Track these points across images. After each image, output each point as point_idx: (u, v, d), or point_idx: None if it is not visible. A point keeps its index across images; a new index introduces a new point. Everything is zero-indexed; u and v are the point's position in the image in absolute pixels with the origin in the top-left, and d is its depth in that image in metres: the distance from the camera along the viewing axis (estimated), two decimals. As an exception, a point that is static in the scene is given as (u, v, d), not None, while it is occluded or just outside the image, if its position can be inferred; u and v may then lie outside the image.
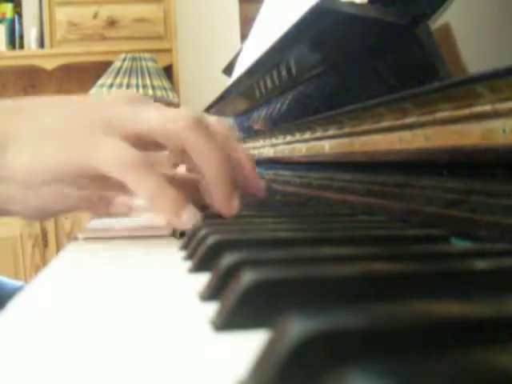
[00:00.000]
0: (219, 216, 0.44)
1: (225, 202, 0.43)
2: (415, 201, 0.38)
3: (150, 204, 0.40)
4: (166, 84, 2.30)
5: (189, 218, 0.41)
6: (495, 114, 0.29)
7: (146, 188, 0.39)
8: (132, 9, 2.45)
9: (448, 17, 0.37)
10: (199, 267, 0.30)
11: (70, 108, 0.44)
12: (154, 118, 0.42)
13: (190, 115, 0.42)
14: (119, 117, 0.42)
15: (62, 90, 2.62)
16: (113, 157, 0.39)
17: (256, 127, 0.89)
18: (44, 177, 0.41)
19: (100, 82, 2.29)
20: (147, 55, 2.32)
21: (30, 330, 0.21)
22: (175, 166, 0.54)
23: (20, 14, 2.45)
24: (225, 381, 0.16)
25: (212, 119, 0.48)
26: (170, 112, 0.43)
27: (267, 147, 0.79)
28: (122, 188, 0.41)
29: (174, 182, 0.43)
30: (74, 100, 0.46)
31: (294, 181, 0.69)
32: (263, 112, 0.86)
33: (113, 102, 0.43)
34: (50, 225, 2.37)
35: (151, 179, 0.40)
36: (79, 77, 2.58)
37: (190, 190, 0.48)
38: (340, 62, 0.56)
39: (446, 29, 0.37)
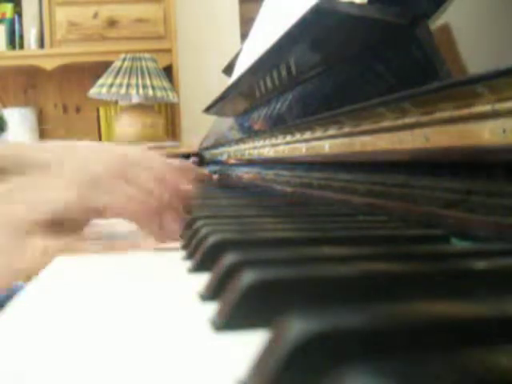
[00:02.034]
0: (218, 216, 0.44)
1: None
2: (415, 201, 0.38)
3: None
4: (166, 84, 2.30)
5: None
6: (495, 114, 0.29)
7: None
8: (132, 9, 2.45)
9: (448, 17, 0.37)
10: (199, 267, 0.30)
11: None
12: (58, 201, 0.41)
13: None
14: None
15: (62, 90, 2.62)
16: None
17: (256, 127, 0.89)
18: None
19: (100, 81, 2.29)
20: (147, 55, 2.32)
21: (29, 329, 0.21)
22: None
23: (20, 14, 2.45)
24: (225, 381, 0.16)
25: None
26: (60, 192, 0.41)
27: (267, 147, 0.78)
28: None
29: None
30: None
31: (293, 181, 0.69)
32: (263, 112, 0.86)
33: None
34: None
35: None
36: (79, 77, 2.58)
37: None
38: (340, 61, 0.56)
39: (446, 29, 0.37)
